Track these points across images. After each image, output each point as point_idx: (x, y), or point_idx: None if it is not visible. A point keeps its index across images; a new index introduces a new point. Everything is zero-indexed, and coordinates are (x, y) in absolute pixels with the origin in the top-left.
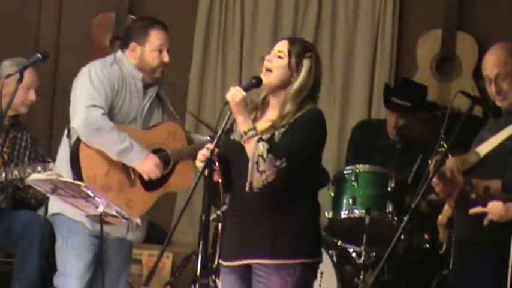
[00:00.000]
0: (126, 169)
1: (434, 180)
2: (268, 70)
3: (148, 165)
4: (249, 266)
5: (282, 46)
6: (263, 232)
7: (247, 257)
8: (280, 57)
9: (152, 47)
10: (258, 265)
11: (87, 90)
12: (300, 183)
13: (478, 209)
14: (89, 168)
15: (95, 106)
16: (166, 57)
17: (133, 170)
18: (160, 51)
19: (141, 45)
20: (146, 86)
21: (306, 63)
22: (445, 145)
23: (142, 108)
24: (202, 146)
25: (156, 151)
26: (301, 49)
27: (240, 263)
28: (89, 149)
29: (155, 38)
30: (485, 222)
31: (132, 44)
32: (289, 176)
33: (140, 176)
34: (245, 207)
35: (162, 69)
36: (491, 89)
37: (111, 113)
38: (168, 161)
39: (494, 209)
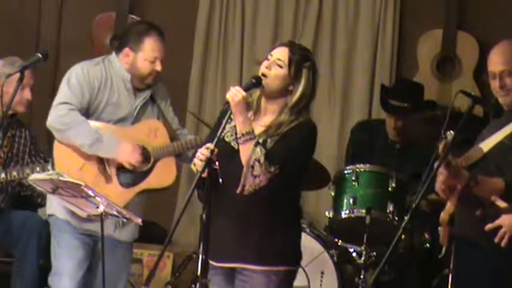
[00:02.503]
0: (102, 165)
1: (440, 169)
2: (263, 76)
3: (124, 153)
4: (234, 267)
5: (282, 54)
6: (253, 237)
7: (236, 261)
8: (279, 66)
9: (145, 56)
10: (244, 269)
11: (62, 90)
12: (287, 191)
13: (492, 226)
14: (62, 163)
15: (64, 103)
16: (158, 67)
17: (110, 165)
18: (152, 61)
19: (134, 52)
20: (140, 88)
21: (305, 73)
22: (451, 132)
23: (134, 108)
24: (186, 144)
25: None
26: (301, 58)
27: (228, 265)
28: (63, 145)
29: (149, 47)
30: (497, 238)
31: (126, 49)
32: (279, 183)
33: (117, 173)
34: (235, 209)
35: (154, 77)
36: (494, 84)
37: (94, 112)
38: (148, 158)
39: (507, 221)
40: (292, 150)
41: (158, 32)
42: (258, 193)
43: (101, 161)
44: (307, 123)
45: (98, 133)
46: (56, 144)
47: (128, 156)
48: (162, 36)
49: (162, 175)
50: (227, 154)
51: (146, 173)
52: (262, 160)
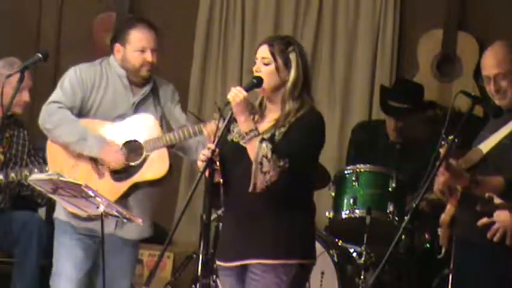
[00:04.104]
0: (94, 161)
1: (441, 169)
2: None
3: (107, 154)
4: (246, 265)
5: (264, 52)
6: (264, 232)
7: (248, 258)
8: (266, 64)
9: (133, 48)
10: (256, 264)
11: (55, 91)
12: (299, 183)
13: (485, 220)
14: (54, 162)
15: (53, 102)
16: (149, 57)
17: (102, 161)
18: (142, 51)
19: (123, 46)
20: (139, 84)
21: (292, 58)
22: (451, 137)
23: (132, 104)
24: (178, 135)
25: (130, 142)
26: (282, 47)
27: (240, 263)
28: (55, 144)
29: (135, 38)
30: (490, 234)
31: (116, 45)
32: (290, 176)
33: (109, 167)
34: (245, 208)
35: (148, 68)
36: (490, 88)
37: (89, 111)
38: (140, 151)
39: (501, 217)
40: (299, 141)
41: (145, 23)
42: (269, 189)
43: (93, 158)
44: (312, 113)
45: (83, 131)
46: (48, 143)
47: (111, 157)
48: (151, 27)
49: (155, 167)
50: (237, 154)
51: (139, 166)
52: (269, 155)
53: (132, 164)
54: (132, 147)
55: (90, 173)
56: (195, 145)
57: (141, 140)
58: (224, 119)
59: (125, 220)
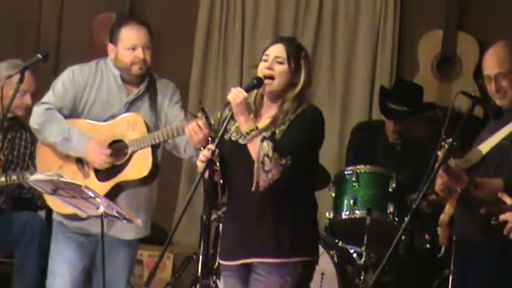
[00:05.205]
0: (80, 162)
1: (440, 172)
2: (271, 78)
3: (92, 153)
4: (248, 265)
5: (279, 50)
6: (266, 231)
7: (250, 256)
8: (280, 63)
9: (124, 46)
10: (259, 264)
11: (48, 92)
12: (301, 180)
13: (498, 221)
14: (43, 164)
15: (42, 103)
16: (140, 54)
17: (88, 162)
18: (133, 49)
19: (115, 46)
20: (134, 83)
21: (303, 64)
22: (449, 139)
23: (125, 103)
24: (163, 133)
25: (115, 142)
26: (296, 51)
27: (241, 262)
28: (45, 145)
29: (125, 36)
30: (506, 231)
31: (109, 46)
32: (292, 173)
33: (95, 168)
34: (247, 207)
35: (139, 66)
36: (491, 87)
37: (82, 111)
38: (125, 151)
39: (511, 217)
40: (300, 138)
41: (136, 22)
42: (271, 187)
43: (79, 159)
44: (311, 109)
45: (68, 132)
46: (39, 145)
47: (94, 157)
48: (142, 24)
49: (138, 166)
50: (237, 153)
51: (123, 166)
52: (271, 154)
53: (117, 163)
54: (118, 147)
55: (75, 174)
56: (183, 143)
57: (126, 140)
58: (207, 117)
59: (124, 221)
